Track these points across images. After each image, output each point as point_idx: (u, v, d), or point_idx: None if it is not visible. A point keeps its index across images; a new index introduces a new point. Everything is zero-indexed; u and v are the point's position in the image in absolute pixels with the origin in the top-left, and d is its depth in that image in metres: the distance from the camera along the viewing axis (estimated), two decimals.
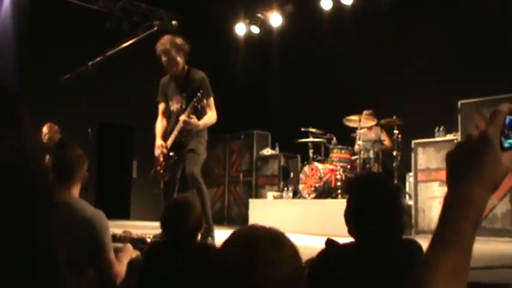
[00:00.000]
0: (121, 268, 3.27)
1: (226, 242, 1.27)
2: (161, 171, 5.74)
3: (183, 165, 5.67)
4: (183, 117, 5.43)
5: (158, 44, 5.63)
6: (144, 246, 4.08)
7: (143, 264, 3.19)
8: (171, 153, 5.67)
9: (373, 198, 2.42)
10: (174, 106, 5.73)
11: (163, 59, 5.61)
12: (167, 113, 5.85)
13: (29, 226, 0.82)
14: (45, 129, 8.55)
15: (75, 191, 3.25)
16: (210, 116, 5.62)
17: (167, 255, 3.00)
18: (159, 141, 5.75)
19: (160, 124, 5.84)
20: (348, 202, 2.54)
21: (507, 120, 0.98)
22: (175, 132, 5.60)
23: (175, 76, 5.71)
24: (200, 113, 5.53)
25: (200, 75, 5.68)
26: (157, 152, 5.72)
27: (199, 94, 5.42)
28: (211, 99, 5.61)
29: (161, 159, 5.70)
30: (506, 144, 0.97)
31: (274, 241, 1.24)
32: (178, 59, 5.61)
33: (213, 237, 5.38)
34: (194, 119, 5.43)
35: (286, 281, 1.21)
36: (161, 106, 5.89)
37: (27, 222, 0.81)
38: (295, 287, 1.24)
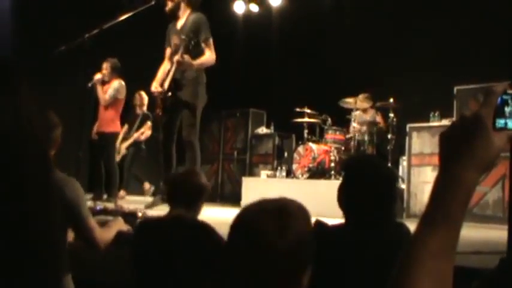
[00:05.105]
0: (107, 234, 3.23)
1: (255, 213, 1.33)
2: (160, 113, 5.84)
3: (180, 119, 5.76)
4: (176, 58, 5.49)
5: None
6: (135, 220, 4.09)
7: (135, 236, 3.18)
8: (168, 94, 5.73)
9: (371, 180, 2.42)
10: (173, 48, 5.81)
11: None
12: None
13: (22, 198, 0.80)
14: (138, 96, 9.13)
15: None
16: (208, 56, 5.63)
17: (165, 229, 3.00)
18: (154, 84, 5.90)
19: (162, 68, 5.97)
20: (344, 180, 2.56)
21: (500, 100, 0.98)
22: (170, 74, 5.67)
23: (174, 16, 5.82)
24: (194, 53, 5.55)
25: (198, 15, 5.74)
26: (152, 88, 5.86)
27: (191, 34, 5.49)
28: (210, 40, 5.61)
29: (159, 101, 5.78)
30: (498, 125, 0.97)
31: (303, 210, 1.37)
32: None
33: None
34: (187, 58, 5.46)
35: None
36: (167, 51, 5.99)
37: (20, 195, 0.80)
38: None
